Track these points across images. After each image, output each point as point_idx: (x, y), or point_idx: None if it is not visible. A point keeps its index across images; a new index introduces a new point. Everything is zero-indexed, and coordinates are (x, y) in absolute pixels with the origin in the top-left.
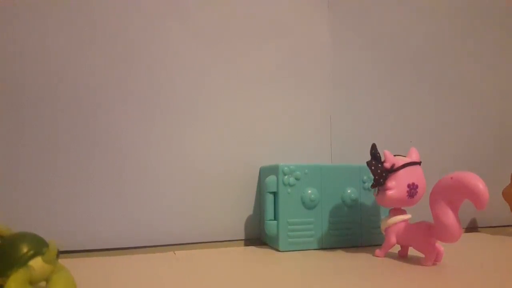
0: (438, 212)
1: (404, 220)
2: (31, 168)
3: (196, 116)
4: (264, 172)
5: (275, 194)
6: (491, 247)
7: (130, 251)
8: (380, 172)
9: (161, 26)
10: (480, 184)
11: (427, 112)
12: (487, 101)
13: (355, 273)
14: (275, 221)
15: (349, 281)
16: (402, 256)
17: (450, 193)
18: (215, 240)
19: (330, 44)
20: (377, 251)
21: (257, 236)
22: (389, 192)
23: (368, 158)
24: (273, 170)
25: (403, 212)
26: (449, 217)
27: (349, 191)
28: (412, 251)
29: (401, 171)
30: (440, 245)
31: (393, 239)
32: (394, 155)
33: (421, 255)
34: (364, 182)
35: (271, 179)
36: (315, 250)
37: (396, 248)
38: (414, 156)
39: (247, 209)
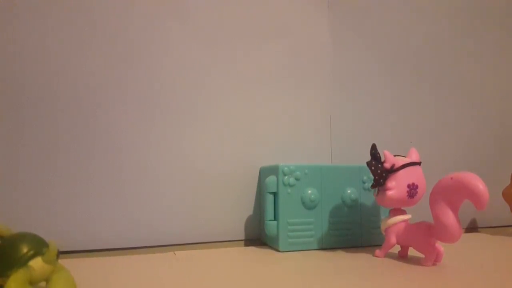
0: (438, 213)
1: (404, 221)
2: (31, 168)
3: (196, 116)
4: (264, 172)
5: (275, 194)
6: (491, 248)
7: (130, 251)
8: (380, 172)
9: (161, 26)
10: (480, 185)
11: (427, 112)
12: (487, 101)
13: (355, 273)
14: (275, 222)
15: (349, 281)
16: (402, 257)
17: (450, 193)
18: (215, 241)
19: (330, 44)
20: (377, 251)
21: (257, 236)
22: (389, 193)
23: (368, 158)
24: (273, 170)
25: (403, 212)
26: (449, 217)
27: (349, 191)
28: (412, 252)
29: (401, 172)
30: (440, 246)
31: (393, 239)
32: (394, 155)
33: (421, 255)
34: (364, 182)
35: (271, 179)
36: (315, 250)
37: (396, 249)
38: (414, 157)
39: (247, 209)
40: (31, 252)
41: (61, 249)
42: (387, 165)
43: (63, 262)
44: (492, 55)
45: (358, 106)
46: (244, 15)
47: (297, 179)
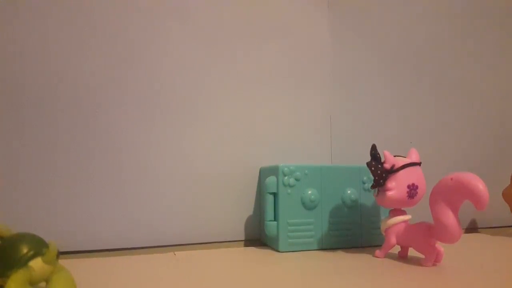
0: (438, 213)
1: (404, 221)
2: (31, 168)
3: (196, 116)
4: (264, 173)
5: (275, 194)
6: (491, 248)
7: (130, 252)
8: (380, 172)
9: (161, 26)
10: (480, 185)
11: (427, 112)
12: (487, 101)
13: (355, 274)
14: (275, 222)
15: (349, 282)
16: (402, 257)
17: (450, 193)
18: (215, 241)
19: (330, 44)
20: (377, 252)
21: (257, 236)
22: (389, 193)
23: (368, 158)
24: (273, 170)
25: (403, 212)
26: (449, 217)
27: (349, 191)
28: (412, 252)
29: (401, 172)
30: (440, 246)
31: (393, 239)
32: (394, 156)
33: (421, 255)
34: (364, 183)
35: (271, 179)
36: (315, 251)
37: (396, 249)
38: (414, 157)
39: (247, 209)
40: (31, 253)
41: (61, 250)
42: (387, 165)
43: (63, 262)
44: (492, 55)
45: (358, 106)
46: (244, 15)
47: (297, 179)
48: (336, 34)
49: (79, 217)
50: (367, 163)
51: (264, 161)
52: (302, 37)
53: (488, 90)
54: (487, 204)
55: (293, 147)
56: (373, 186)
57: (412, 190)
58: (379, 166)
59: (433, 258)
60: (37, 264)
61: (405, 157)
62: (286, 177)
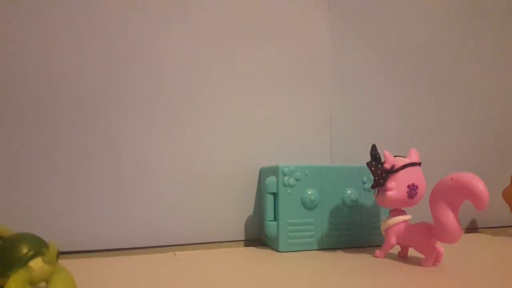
0: (438, 213)
1: (404, 221)
2: (31, 168)
3: (196, 116)
4: (264, 173)
5: (275, 194)
6: (491, 248)
7: (130, 252)
8: (380, 173)
9: (161, 26)
10: (480, 185)
11: (427, 112)
12: (487, 101)
13: (355, 274)
14: (275, 222)
15: (349, 282)
16: (402, 257)
17: (450, 194)
18: (215, 241)
19: (330, 44)
20: (377, 252)
21: (257, 237)
22: (389, 193)
23: (368, 158)
24: (273, 171)
25: (403, 213)
26: (449, 217)
27: (349, 191)
28: (412, 252)
29: (401, 172)
30: (440, 246)
31: (393, 239)
32: (394, 156)
33: (421, 255)
34: (364, 183)
35: (271, 179)
36: (315, 251)
37: (396, 249)
38: (414, 157)
39: (247, 210)
40: (31, 253)
41: (61, 250)
42: (387, 165)
43: (63, 262)
44: (492, 55)
45: (358, 106)
46: (244, 15)
47: (297, 179)
48: (336, 34)
49: (79, 217)
50: (367, 163)
51: (264, 161)
52: (302, 37)
53: (488, 90)
54: (487, 204)
55: (293, 147)
56: (373, 186)
57: (412, 190)
58: (379, 166)
59: (433, 258)
60: (37, 264)
61: (405, 157)
62: (286, 177)
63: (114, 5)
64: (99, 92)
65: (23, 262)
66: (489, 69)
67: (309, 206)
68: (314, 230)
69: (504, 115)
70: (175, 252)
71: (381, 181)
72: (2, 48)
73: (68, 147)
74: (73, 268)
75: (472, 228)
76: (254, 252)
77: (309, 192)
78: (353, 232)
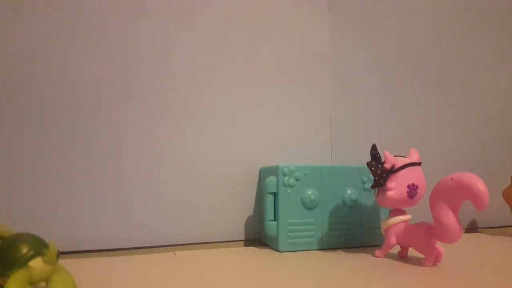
0: (438, 213)
1: (404, 221)
2: (31, 168)
3: (196, 117)
4: (264, 173)
5: (275, 194)
6: (491, 248)
7: (130, 252)
8: (380, 172)
9: (161, 26)
10: (480, 185)
11: (427, 112)
12: (487, 101)
13: (355, 274)
14: (275, 222)
15: (349, 282)
16: (402, 257)
17: (450, 193)
18: (215, 241)
19: (330, 44)
20: (377, 252)
21: (257, 236)
22: (389, 193)
23: (368, 158)
24: (273, 170)
25: (403, 212)
26: (449, 217)
27: (349, 191)
28: (412, 252)
29: (401, 172)
30: (440, 246)
31: (393, 239)
32: (394, 156)
33: (421, 255)
34: (364, 183)
35: (271, 179)
36: (315, 251)
37: (396, 249)
38: (414, 157)
39: (247, 209)
40: (31, 253)
41: (61, 250)
42: (387, 165)
43: (63, 262)
44: (492, 55)
45: (358, 106)
46: (244, 16)
47: (297, 179)
48: (336, 34)
49: (79, 217)
50: (367, 163)
51: (264, 161)
52: (302, 37)
53: (488, 90)
54: (487, 204)
55: (293, 147)
56: (373, 186)
57: (412, 190)
58: (379, 166)
59: (433, 258)
60: (37, 264)
61: (405, 157)
62: (286, 177)
63: (114, 6)
64: (99, 92)
65: (23, 262)
66: (489, 69)
67: (309, 206)
68: (314, 230)
69: (504, 115)
70: (175, 252)
71: (381, 181)
72: (2, 48)
73: (68, 147)
74: (73, 268)
75: (472, 228)
76: (254, 252)
77: (309, 192)
78: (353, 232)
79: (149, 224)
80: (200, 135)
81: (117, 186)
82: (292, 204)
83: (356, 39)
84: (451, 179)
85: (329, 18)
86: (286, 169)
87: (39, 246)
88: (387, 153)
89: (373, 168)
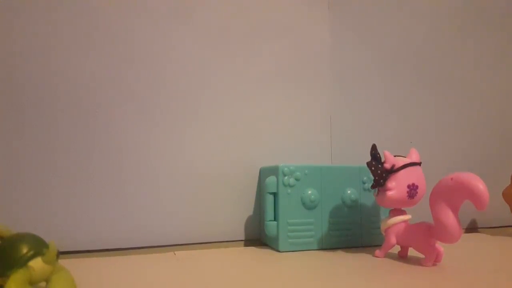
0: (438, 213)
1: (404, 221)
2: (31, 168)
3: (196, 117)
4: (264, 173)
5: (275, 194)
6: (491, 248)
7: (130, 252)
8: (380, 172)
9: (161, 26)
10: (480, 185)
11: (427, 112)
12: (487, 101)
13: (355, 274)
14: (275, 222)
15: (349, 282)
16: (402, 257)
17: (450, 193)
18: (215, 241)
19: (330, 44)
20: (377, 252)
21: (257, 236)
22: (389, 193)
23: (368, 158)
24: (273, 170)
25: (403, 212)
26: (449, 217)
27: (349, 191)
28: (412, 252)
29: (401, 172)
30: (440, 246)
31: (393, 239)
32: (394, 156)
33: (421, 255)
34: (364, 183)
35: (271, 179)
36: (315, 251)
37: (396, 249)
38: (414, 157)
39: (247, 209)
40: (31, 253)
41: (61, 249)
42: (387, 165)
43: (63, 262)
44: (492, 55)
45: (358, 106)
46: (244, 16)
47: (297, 179)
48: (336, 34)
49: (79, 217)
50: (367, 163)
51: (264, 161)
52: (302, 37)
53: (488, 90)
54: (487, 204)
55: (293, 147)
56: (373, 186)
57: (412, 190)
58: (379, 166)
59: (433, 258)
60: (37, 264)
61: (405, 157)
62: (286, 177)
63: (114, 6)
64: (99, 92)
65: (23, 262)
66: (489, 69)
67: (309, 206)
68: (314, 230)
69: (504, 115)
70: (175, 252)
71: (381, 181)
72: (2, 48)
73: (68, 147)
74: (73, 268)
75: (472, 228)
76: (254, 252)
77: (309, 192)
78: (353, 232)
79: (149, 224)
80: (200, 135)
81: (117, 186)
82: (292, 204)
83: (356, 39)
84: (451, 179)
85: (329, 18)
86: (286, 169)
87: (39, 246)
88: (387, 153)
89: (373, 168)
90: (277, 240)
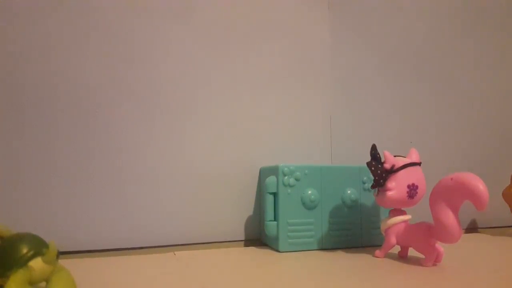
0: (438, 213)
1: (404, 221)
2: (31, 168)
3: (196, 116)
4: (264, 173)
5: (275, 194)
6: (491, 248)
7: (130, 252)
8: (380, 172)
9: (161, 26)
10: (480, 185)
11: (427, 112)
12: (487, 101)
13: (355, 274)
14: (275, 222)
15: (349, 282)
16: (402, 257)
17: (450, 194)
18: (215, 241)
19: (330, 44)
20: (377, 252)
21: (257, 236)
22: (389, 193)
23: (368, 158)
24: (273, 170)
25: (403, 212)
26: (449, 217)
27: (349, 191)
28: (412, 252)
29: (401, 172)
30: (440, 246)
31: (393, 239)
32: (394, 156)
33: (421, 255)
34: (364, 183)
35: (271, 179)
36: (315, 251)
37: (396, 249)
38: (414, 157)
39: (247, 209)
40: (31, 253)
41: (61, 249)
42: (387, 165)
43: (63, 262)
44: (492, 55)
45: (358, 106)
46: (244, 16)
47: (297, 179)
48: (336, 34)
49: (79, 217)
50: (367, 163)
51: (264, 161)
52: (302, 37)
53: (488, 90)
54: (487, 204)
55: (293, 147)
56: (373, 186)
57: (412, 190)
58: (379, 166)
59: (433, 258)
60: (37, 264)
61: (405, 157)
62: (286, 177)
63: (114, 6)
64: (99, 92)
65: (23, 262)
66: (489, 69)
67: (309, 206)
68: (314, 230)
69: (504, 115)
70: (175, 252)
71: (381, 181)
72: (2, 48)
73: (68, 147)
74: (73, 268)
75: (472, 228)
76: (254, 252)
77: (309, 192)
78: (353, 232)
79: (149, 224)
80: (200, 135)
81: (117, 186)
82: (292, 204)
83: (356, 39)
84: (451, 179)
85: (329, 18)
86: (286, 169)
87: (39, 246)
88: (387, 153)
89: (373, 168)
90: (277, 240)
